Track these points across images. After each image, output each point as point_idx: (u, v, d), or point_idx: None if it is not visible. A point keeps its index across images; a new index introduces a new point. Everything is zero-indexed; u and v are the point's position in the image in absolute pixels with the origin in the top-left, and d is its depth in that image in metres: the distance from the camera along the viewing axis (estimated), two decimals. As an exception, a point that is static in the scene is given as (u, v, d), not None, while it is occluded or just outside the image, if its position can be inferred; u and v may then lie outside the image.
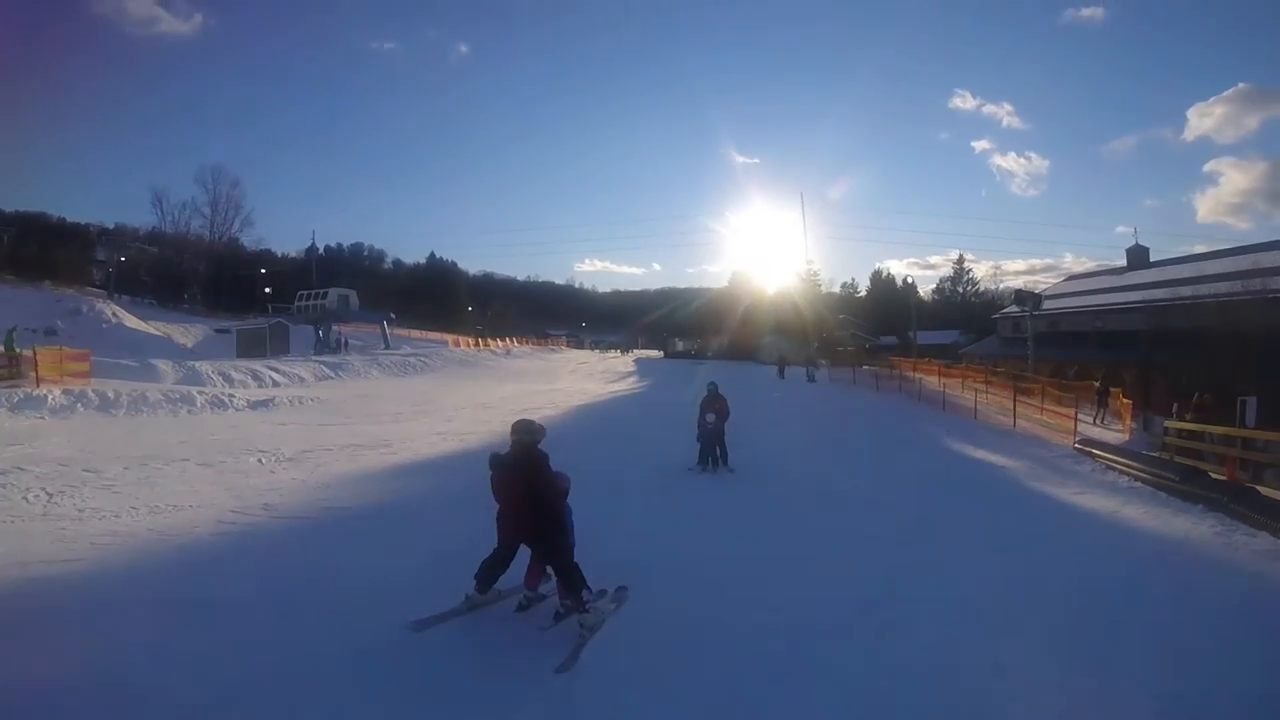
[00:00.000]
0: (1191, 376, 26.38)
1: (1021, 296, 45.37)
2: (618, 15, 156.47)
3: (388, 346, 56.16)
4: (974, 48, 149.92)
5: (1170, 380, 28.41)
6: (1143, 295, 43.18)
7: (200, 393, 24.58)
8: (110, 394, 22.18)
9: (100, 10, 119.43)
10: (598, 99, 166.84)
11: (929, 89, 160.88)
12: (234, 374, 32.14)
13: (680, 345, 79.15)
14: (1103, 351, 40.82)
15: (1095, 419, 25.58)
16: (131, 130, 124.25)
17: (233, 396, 25.30)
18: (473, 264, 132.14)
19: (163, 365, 31.23)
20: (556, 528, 6.80)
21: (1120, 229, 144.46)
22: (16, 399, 20.03)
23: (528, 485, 6.66)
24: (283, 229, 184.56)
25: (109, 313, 53.33)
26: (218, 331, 58.24)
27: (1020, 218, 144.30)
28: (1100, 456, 18.22)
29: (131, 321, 53.91)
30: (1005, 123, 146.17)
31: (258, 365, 35.67)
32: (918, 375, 39.60)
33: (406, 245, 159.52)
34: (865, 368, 47.36)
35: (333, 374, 37.89)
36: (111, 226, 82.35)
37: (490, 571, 6.98)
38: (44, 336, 44.15)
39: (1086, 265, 69.36)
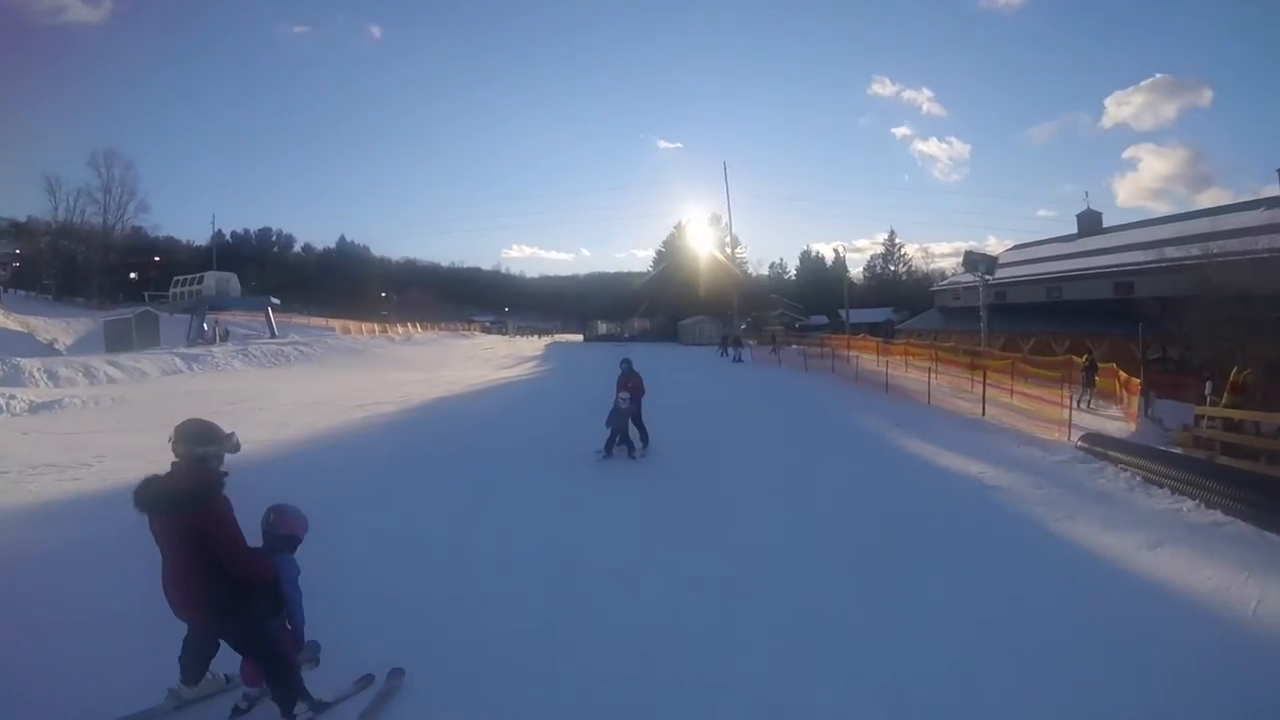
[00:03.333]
0: (1204, 349, 21.49)
1: (973, 259, 37.70)
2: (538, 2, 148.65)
3: (273, 334, 51.23)
4: (891, 34, 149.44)
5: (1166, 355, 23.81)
6: (1115, 260, 36.95)
7: None
8: None
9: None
10: (520, 84, 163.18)
11: (848, 75, 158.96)
12: (63, 371, 28.60)
13: (603, 328, 73.98)
14: (1060, 324, 35.54)
15: (1081, 402, 19.86)
16: (37, 122, 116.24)
17: (12, 399, 20.85)
18: (395, 251, 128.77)
19: None
20: (237, 603, 4.35)
21: (1042, 213, 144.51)
22: None
23: (191, 532, 4.22)
24: (191, 217, 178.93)
25: None
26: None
27: (944, 204, 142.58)
28: (1126, 462, 12.23)
29: None
30: (925, 109, 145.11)
31: (97, 360, 32.04)
32: (853, 353, 32.88)
33: (321, 231, 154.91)
34: (794, 346, 41.89)
35: (185, 368, 33.62)
36: (24, 219, 76.50)
37: (194, 657, 4.74)
38: None
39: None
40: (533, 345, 64.53)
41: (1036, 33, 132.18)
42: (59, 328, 51.52)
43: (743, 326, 57.76)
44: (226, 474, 4.49)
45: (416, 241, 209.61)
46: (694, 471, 12.95)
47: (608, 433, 13.82)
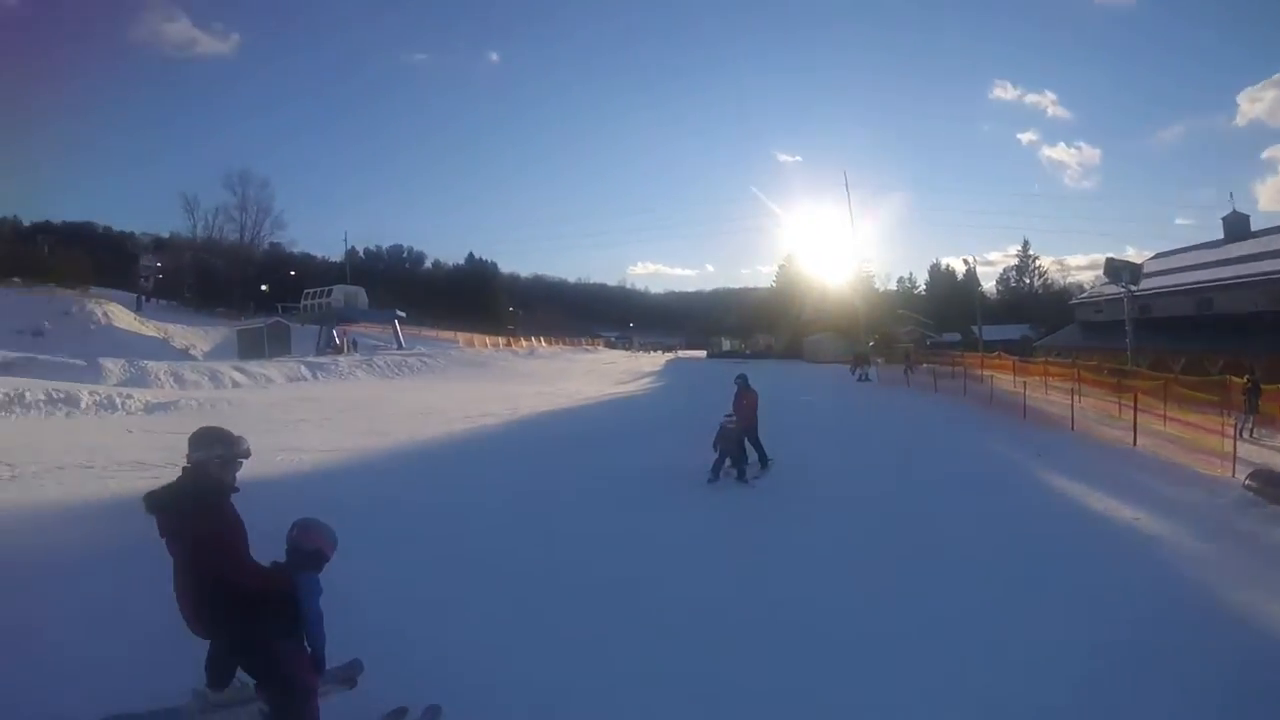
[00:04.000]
0: None
1: (1115, 268, 33.98)
2: (657, 19, 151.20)
3: (399, 346, 52.04)
4: (1007, 35, 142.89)
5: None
6: (1271, 265, 32.05)
7: (94, 394, 21.06)
8: None
9: (138, 36, 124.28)
10: (640, 101, 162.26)
11: (968, 80, 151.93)
12: (189, 375, 29.40)
13: (727, 345, 72.50)
14: (1212, 339, 31.64)
15: (1244, 430, 16.88)
16: (175, 146, 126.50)
17: (129, 399, 21.47)
18: (524, 267, 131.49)
19: (110, 365, 28.27)
20: (245, 620, 4.08)
21: (1180, 220, 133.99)
22: None
23: (189, 536, 4.02)
24: (327, 236, 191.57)
25: (99, 314, 50.33)
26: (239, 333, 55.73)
27: (1076, 213, 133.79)
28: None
29: (124, 322, 50.96)
30: (1050, 112, 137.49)
31: (225, 366, 32.93)
32: (987, 373, 29.89)
33: (451, 248, 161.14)
34: (924, 366, 38.59)
35: (309, 376, 34.11)
36: (167, 235, 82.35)
37: (218, 663, 4.44)
38: (30, 337, 42.60)
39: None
40: (653, 361, 64.05)
41: (1155, 28, 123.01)
42: (196, 335, 54.43)
43: (870, 344, 55.01)
44: (237, 488, 4.26)
45: (544, 258, 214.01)
46: (806, 503, 11.60)
47: (715, 455, 12.68)
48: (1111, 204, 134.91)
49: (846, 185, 77.88)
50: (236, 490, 4.26)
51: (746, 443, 13.29)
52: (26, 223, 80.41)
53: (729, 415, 12.72)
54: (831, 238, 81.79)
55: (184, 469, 4.21)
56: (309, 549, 4.37)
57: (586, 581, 7.65)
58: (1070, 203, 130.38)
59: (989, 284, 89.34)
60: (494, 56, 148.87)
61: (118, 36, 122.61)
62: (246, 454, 4.38)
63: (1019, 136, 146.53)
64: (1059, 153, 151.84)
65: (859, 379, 36.86)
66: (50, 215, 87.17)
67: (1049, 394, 23.90)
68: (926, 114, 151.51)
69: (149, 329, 51.82)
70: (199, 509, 4.04)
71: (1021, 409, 21.14)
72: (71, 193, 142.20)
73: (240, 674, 4.50)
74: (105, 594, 6.23)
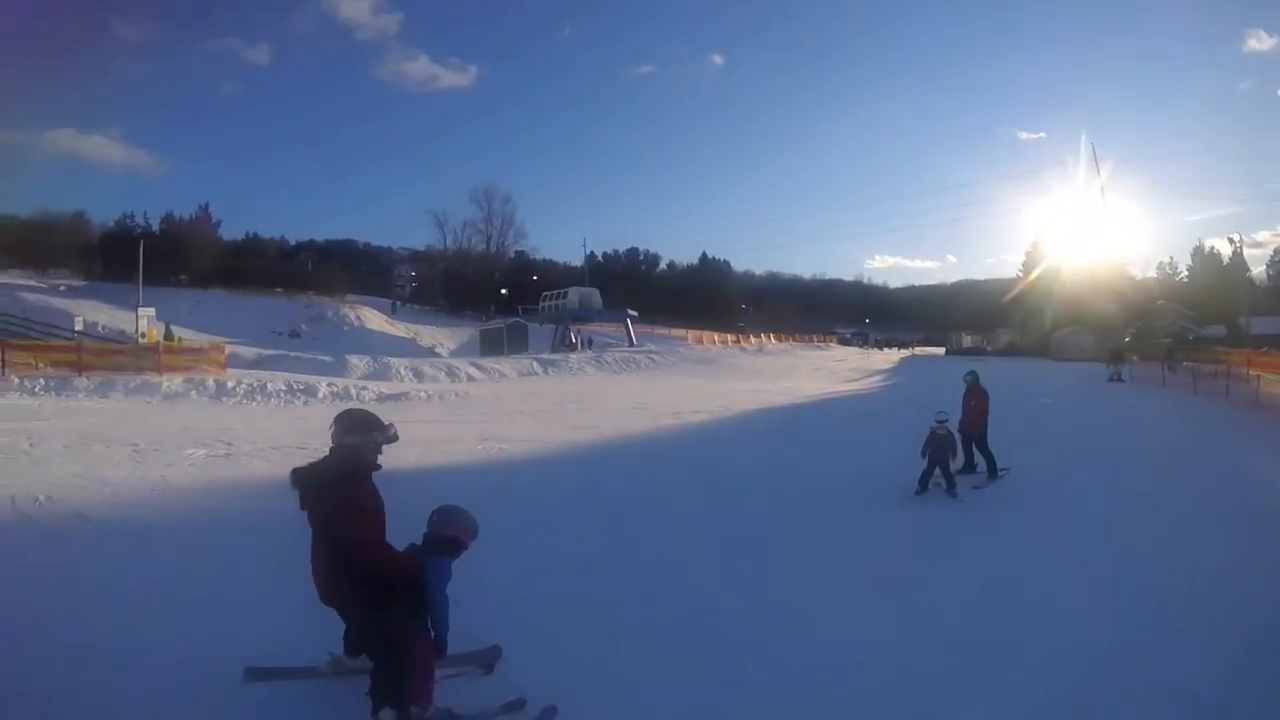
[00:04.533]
0: None
1: None
2: (878, 8, 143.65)
3: (631, 343, 52.77)
4: None
5: None
6: None
7: (331, 385, 23.22)
8: (230, 383, 22.40)
9: (382, 75, 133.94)
10: (869, 91, 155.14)
11: (1217, 33, 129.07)
12: (428, 370, 31.61)
13: (967, 341, 67.77)
14: None
15: None
16: (428, 169, 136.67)
17: (364, 390, 23.33)
18: (760, 265, 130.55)
19: (355, 361, 31.41)
20: (374, 602, 4.17)
21: None
22: (133, 385, 21.50)
23: (325, 515, 4.17)
24: (569, 242, 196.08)
25: (353, 317, 55.27)
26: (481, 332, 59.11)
27: None
28: None
29: (375, 324, 55.57)
30: None
31: (462, 362, 35.66)
32: (1255, 373, 23.29)
33: (686, 249, 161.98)
34: (1186, 364, 31.53)
35: (540, 371, 35.85)
36: (423, 248, 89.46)
37: (353, 633, 4.57)
38: (288, 338, 47.93)
39: None
40: (886, 358, 60.46)
41: None
42: (444, 335, 58.08)
43: (1126, 339, 48.47)
44: (379, 466, 4.37)
45: (779, 256, 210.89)
46: (1013, 530, 9.30)
47: (924, 465, 10.83)
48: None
49: (1095, 157, 68.54)
50: (379, 469, 4.35)
51: (975, 449, 11.93)
52: (293, 242, 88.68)
53: (940, 417, 10.86)
54: (1082, 221, 73.02)
55: (330, 449, 4.33)
56: (447, 535, 4.37)
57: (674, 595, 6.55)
58: None
59: (1258, 269, 77.08)
60: (718, 60, 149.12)
61: (365, 76, 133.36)
62: (394, 438, 4.44)
63: None
64: None
65: (1111, 379, 32.20)
66: (314, 234, 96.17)
67: None
68: (1176, 75, 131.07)
69: (399, 330, 55.97)
70: (335, 490, 4.14)
71: None
72: (335, 215, 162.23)
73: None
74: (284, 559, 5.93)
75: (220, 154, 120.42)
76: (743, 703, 4.67)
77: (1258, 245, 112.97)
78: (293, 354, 33.95)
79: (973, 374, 12.45)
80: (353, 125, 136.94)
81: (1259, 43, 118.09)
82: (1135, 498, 10.80)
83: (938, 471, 10.60)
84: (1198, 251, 78.94)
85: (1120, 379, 31.97)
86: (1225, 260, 71.67)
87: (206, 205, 72.08)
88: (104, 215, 69.68)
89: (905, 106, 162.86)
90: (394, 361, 31.89)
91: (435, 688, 4.20)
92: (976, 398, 12.00)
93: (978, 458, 11.89)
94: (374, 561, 4.14)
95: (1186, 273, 78.84)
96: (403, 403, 21.90)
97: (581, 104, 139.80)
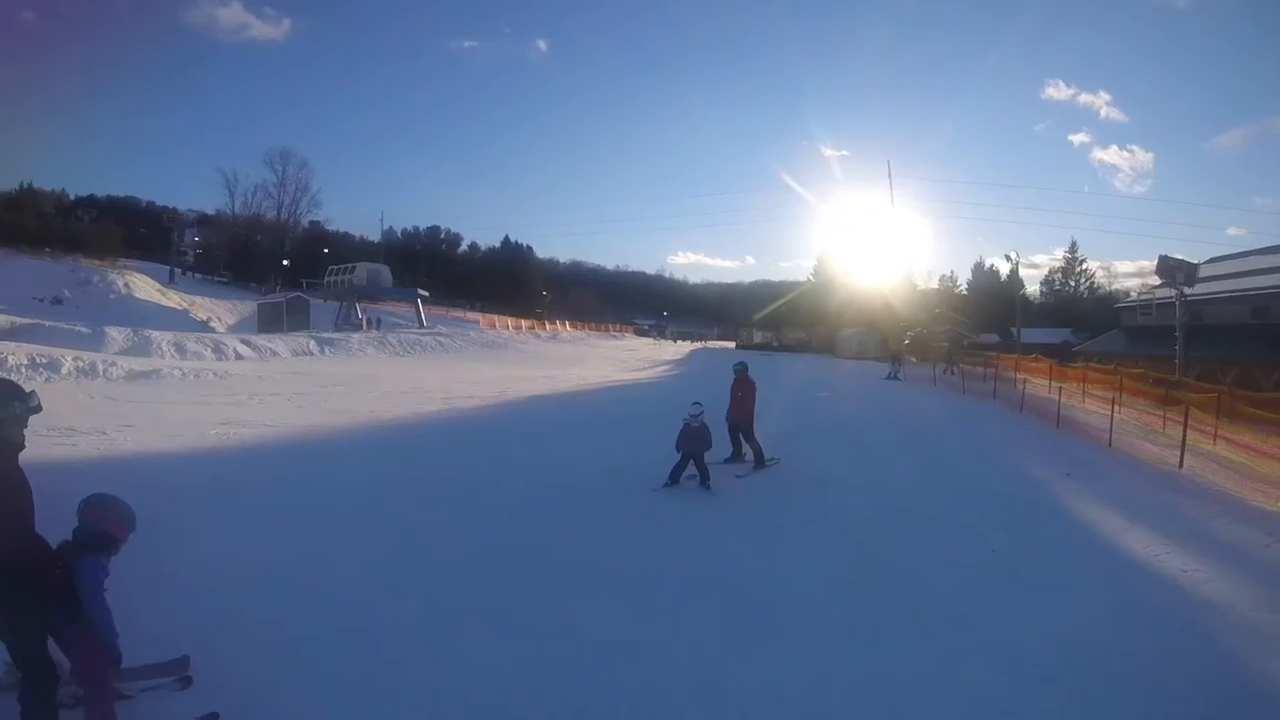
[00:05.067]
0: None
1: (1169, 266, 29.76)
2: (703, 8, 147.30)
3: (421, 325, 51.26)
4: (1062, 31, 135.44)
5: None
6: None
7: (77, 359, 20.94)
8: None
9: (191, 19, 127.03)
10: (686, 91, 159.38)
11: (1021, 78, 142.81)
12: (192, 345, 29.36)
13: (758, 337, 70.22)
14: (1269, 351, 28.53)
15: None
16: (225, 126, 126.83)
17: (112, 366, 21.26)
18: (563, 253, 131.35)
19: (115, 333, 28.99)
20: (17, 597, 3.71)
21: (1233, 230, 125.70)
22: None
23: None
24: (367, 216, 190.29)
25: (120, 285, 50.67)
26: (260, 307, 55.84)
27: (1127, 217, 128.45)
28: None
29: (145, 294, 51.16)
30: (1104, 113, 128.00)
31: (231, 338, 33.10)
32: (1020, 376, 26.14)
33: (489, 232, 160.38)
34: (960, 366, 34.17)
35: (316, 351, 33.63)
36: (213, 212, 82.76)
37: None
38: (49, 305, 43.82)
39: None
40: (677, 350, 61.84)
41: (1217, 28, 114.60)
42: (223, 308, 54.23)
43: (905, 341, 52.34)
44: (23, 444, 3.90)
45: (584, 245, 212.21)
46: (771, 513, 9.80)
47: (677, 458, 10.71)
48: (1163, 210, 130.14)
49: (890, 176, 74.06)
50: (23, 447, 3.91)
51: (743, 439, 12.20)
52: (73, 196, 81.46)
53: (694, 410, 10.62)
54: (873, 233, 78.46)
55: None
56: (94, 529, 4.00)
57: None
58: (1121, 207, 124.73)
59: (1033, 287, 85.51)
60: (542, 45, 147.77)
61: (171, 17, 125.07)
62: (37, 409, 3.98)
63: (1071, 138, 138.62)
64: (1111, 155, 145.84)
65: (889, 377, 34.38)
66: (96, 189, 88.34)
67: (1086, 402, 21.16)
68: (977, 112, 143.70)
69: (172, 300, 51.82)
70: None
71: (1055, 417, 18.44)
72: (118, 169, 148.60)
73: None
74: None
75: (7, 93, 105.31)
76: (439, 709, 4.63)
77: (1034, 266, 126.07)
78: (49, 324, 30.78)
79: (741, 365, 12.71)
80: (149, 69, 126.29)
81: (1057, 91, 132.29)
82: (891, 489, 11.38)
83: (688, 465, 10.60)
84: (978, 267, 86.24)
85: (897, 378, 33.77)
86: (1003, 276, 78.71)
87: None
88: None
89: (717, 112, 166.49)
90: (156, 335, 29.49)
91: (127, 703, 3.96)
92: (744, 389, 12.18)
93: (745, 447, 12.12)
94: (20, 548, 3.72)
95: (966, 286, 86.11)
96: (154, 381, 20.55)
97: (395, 71, 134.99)
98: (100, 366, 20.94)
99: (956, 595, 7.00)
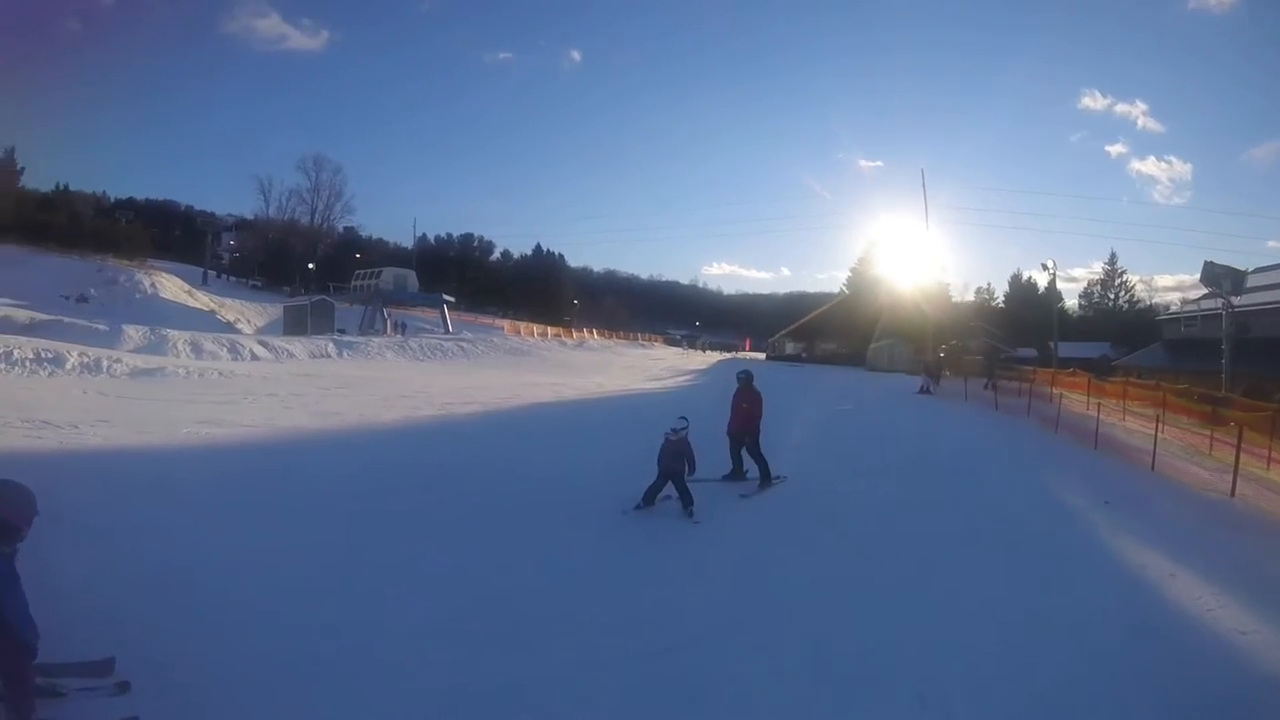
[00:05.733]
0: None
1: (1214, 273, 27.97)
2: (740, 20, 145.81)
3: (447, 330, 50.77)
4: (1097, 39, 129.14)
5: None
6: None
7: (83, 355, 20.99)
8: None
9: (230, 29, 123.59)
10: (723, 103, 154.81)
11: (1056, 88, 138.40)
12: (208, 345, 29.48)
13: (789, 348, 68.54)
14: None
15: None
16: (267, 135, 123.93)
17: (116, 363, 21.15)
18: (597, 262, 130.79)
19: (132, 331, 29.33)
20: None
21: (1272, 243, 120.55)
22: None
23: None
24: (402, 223, 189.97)
25: (146, 284, 50.71)
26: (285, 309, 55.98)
27: (1166, 229, 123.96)
28: None
29: (171, 294, 51.17)
30: (1140, 124, 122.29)
31: (248, 339, 33.47)
32: (1057, 391, 24.37)
33: (525, 241, 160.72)
34: (997, 381, 30.81)
35: (334, 354, 33.65)
36: (251, 217, 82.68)
37: None
38: (74, 303, 43.65)
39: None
40: (704, 360, 60.44)
41: (1253, 36, 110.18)
42: (253, 310, 54.26)
43: (940, 354, 50.59)
44: None
45: (616, 254, 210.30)
46: (761, 543, 8.64)
47: (655, 477, 9.33)
48: (1202, 222, 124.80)
49: (924, 186, 72.26)
50: None
51: (745, 454, 10.93)
52: (113, 198, 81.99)
53: (677, 424, 9.34)
54: (908, 245, 76.55)
55: None
56: None
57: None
58: (1159, 220, 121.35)
59: (1071, 301, 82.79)
60: (576, 55, 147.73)
61: (211, 27, 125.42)
62: None
63: (1108, 149, 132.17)
64: (1149, 166, 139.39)
65: (921, 390, 32.72)
66: (136, 193, 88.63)
67: (1126, 419, 19.52)
68: (1012, 123, 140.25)
69: (199, 302, 51.92)
70: None
71: (1093, 437, 16.72)
72: (158, 174, 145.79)
73: None
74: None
75: (49, 96, 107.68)
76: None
77: (1072, 280, 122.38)
78: (68, 320, 31.08)
79: (745, 373, 11.48)
80: (191, 78, 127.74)
81: (1093, 101, 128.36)
82: (900, 514, 10.06)
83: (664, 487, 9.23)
84: (1015, 279, 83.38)
85: (929, 391, 32.26)
86: (1040, 290, 76.47)
87: (12, 150, 64.12)
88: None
89: (751, 123, 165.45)
90: (173, 334, 29.61)
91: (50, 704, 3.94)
92: (749, 399, 11.01)
93: (748, 463, 10.93)
94: None
95: (1003, 298, 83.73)
96: (157, 379, 20.21)
97: (430, 82, 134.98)
98: (105, 363, 20.77)
99: (943, 667, 5.59)
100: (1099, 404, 20.70)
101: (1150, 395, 20.69)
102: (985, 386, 31.19)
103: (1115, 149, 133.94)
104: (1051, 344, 51.11)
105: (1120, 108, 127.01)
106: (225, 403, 16.53)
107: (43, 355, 20.16)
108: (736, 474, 10.96)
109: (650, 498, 9.24)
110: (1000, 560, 8.23)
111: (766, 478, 10.81)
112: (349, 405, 17.62)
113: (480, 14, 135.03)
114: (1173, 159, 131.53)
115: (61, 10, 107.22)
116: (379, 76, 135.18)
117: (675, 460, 9.17)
